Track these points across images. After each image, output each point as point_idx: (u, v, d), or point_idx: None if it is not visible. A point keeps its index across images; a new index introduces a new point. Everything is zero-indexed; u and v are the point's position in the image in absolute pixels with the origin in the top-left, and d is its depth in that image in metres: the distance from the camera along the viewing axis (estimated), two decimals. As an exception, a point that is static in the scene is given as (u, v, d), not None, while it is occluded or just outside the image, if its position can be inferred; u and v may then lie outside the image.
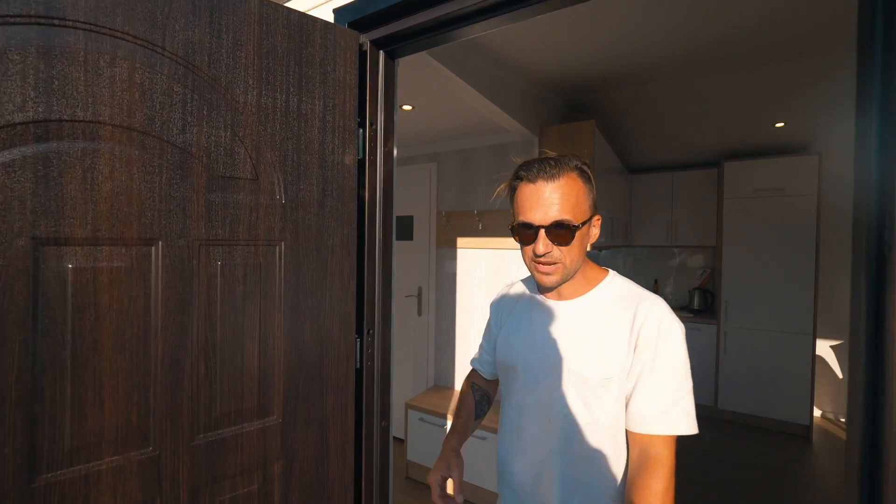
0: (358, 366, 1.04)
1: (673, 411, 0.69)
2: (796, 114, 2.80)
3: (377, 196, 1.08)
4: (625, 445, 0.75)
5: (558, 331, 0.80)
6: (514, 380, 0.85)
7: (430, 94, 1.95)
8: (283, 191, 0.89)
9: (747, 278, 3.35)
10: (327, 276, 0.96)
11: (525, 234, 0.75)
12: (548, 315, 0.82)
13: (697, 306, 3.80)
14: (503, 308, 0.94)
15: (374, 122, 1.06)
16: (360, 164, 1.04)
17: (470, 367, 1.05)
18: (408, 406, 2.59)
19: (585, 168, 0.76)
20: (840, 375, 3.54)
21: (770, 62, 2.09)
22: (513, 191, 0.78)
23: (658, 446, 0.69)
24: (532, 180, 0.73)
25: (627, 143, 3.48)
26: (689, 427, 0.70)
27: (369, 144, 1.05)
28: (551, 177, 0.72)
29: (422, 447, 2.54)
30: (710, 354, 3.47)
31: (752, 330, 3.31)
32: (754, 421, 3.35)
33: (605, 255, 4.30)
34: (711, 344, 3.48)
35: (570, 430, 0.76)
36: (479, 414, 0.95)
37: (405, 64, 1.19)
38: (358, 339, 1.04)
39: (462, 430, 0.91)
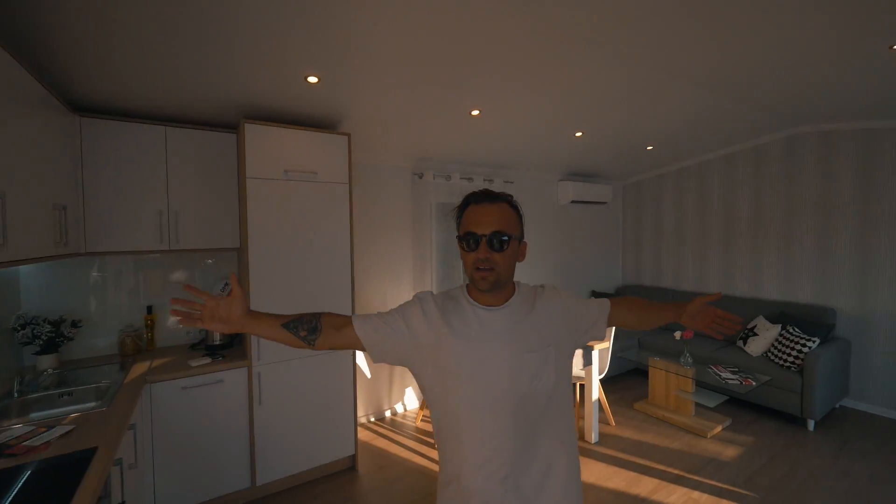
0: None
1: (595, 301, 1.05)
2: (329, 66, 2.00)
3: None
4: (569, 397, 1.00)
5: (514, 331, 0.94)
6: (475, 391, 0.90)
7: None
8: None
9: (279, 287, 2.39)
10: None
11: (470, 242, 0.91)
12: (495, 320, 0.95)
13: (220, 341, 2.52)
14: (435, 308, 0.97)
15: None
16: None
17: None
18: None
19: (516, 203, 0.97)
20: (369, 374, 3.44)
21: None
22: (461, 212, 0.96)
23: (614, 303, 1.04)
24: (478, 202, 0.93)
25: (69, 62, 1.56)
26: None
27: None
28: (492, 201, 0.93)
29: None
30: (241, 416, 2.31)
31: (289, 361, 2.42)
32: (298, 480, 2.53)
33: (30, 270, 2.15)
34: (241, 397, 2.31)
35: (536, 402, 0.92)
36: (290, 327, 0.93)
37: None
38: None
39: (261, 315, 0.93)
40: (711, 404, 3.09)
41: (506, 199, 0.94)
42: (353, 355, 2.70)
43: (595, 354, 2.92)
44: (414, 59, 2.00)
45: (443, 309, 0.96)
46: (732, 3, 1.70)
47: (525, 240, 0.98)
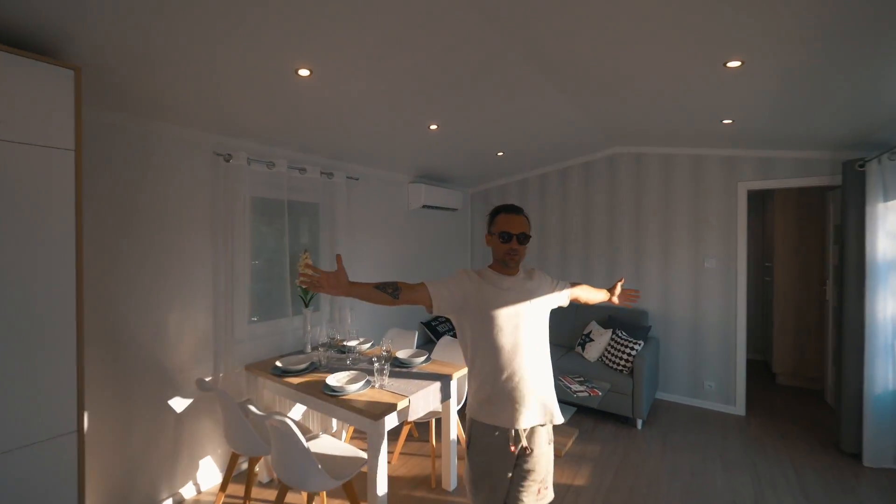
0: None
1: (562, 284, 1.69)
2: None
3: None
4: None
5: (522, 290, 1.53)
6: (502, 324, 1.46)
7: None
8: None
9: None
10: None
11: (505, 237, 1.49)
12: (510, 284, 1.52)
13: None
14: (477, 279, 1.51)
15: None
16: None
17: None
18: None
19: (527, 216, 1.57)
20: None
21: None
22: (493, 218, 1.56)
23: (574, 286, 1.73)
24: (508, 212, 1.53)
25: None
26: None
27: None
28: (518, 213, 1.54)
29: None
30: None
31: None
32: None
33: None
34: None
35: (542, 342, 1.54)
36: (380, 288, 1.36)
37: None
38: None
39: (358, 283, 1.36)
40: (562, 421, 3.04)
41: (522, 212, 1.56)
42: (79, 432, 1.59)
43: (453, 384, 2.48)
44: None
45: (484, 279, 1.51)
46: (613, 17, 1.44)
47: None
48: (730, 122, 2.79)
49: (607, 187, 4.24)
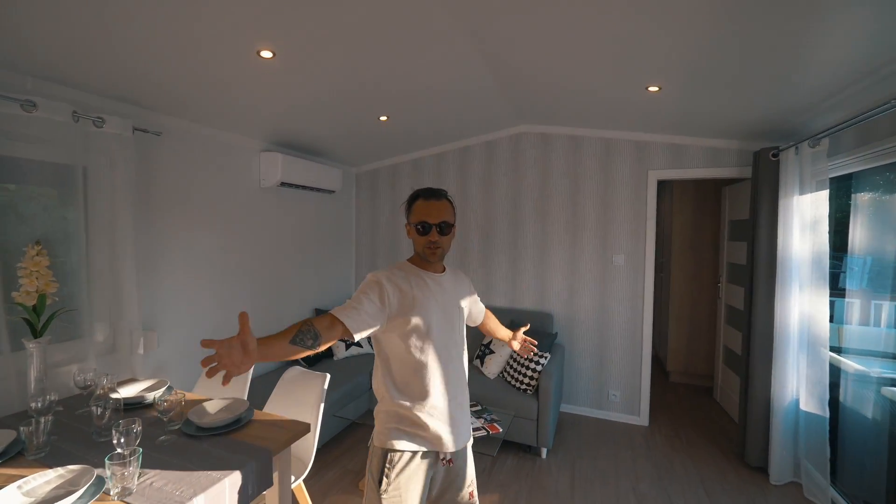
0: None
1: (480, 305, 1.59)
2: None
3: None
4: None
5: (451, 292, 1.36)
6: (433, 332, 1.26)
7: None
8: None
9: None
10: None
11: (423, 228, 1.27)
12: (437, 283, 1.32)
13: None
14: (395, 281, 1.24)
15: None
16: None
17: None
18: None
19: (451, 199, 1.33)
20: None
21: None
22: (410, 205, 1.31)
23: (486, 314, 1.65)
24: (427, 198, 1.28)
25: None
26: None
27: None
28: (439, 198, 1.29)
29: None
30: None
31: None
32: None
33: None
34: None
35: (461, 352, 1.38)
36: (297, 341, 1.02)
37: None
38: None
39: (267, 340, 0.97)
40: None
41: (445, 196, 1.31)
42: None
43: (277, 461, 1.57)
44: None
45: (404, 279, 1.26)
46: None
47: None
48: (656, 89, 2.30)
49: (511, 171, 3.66)
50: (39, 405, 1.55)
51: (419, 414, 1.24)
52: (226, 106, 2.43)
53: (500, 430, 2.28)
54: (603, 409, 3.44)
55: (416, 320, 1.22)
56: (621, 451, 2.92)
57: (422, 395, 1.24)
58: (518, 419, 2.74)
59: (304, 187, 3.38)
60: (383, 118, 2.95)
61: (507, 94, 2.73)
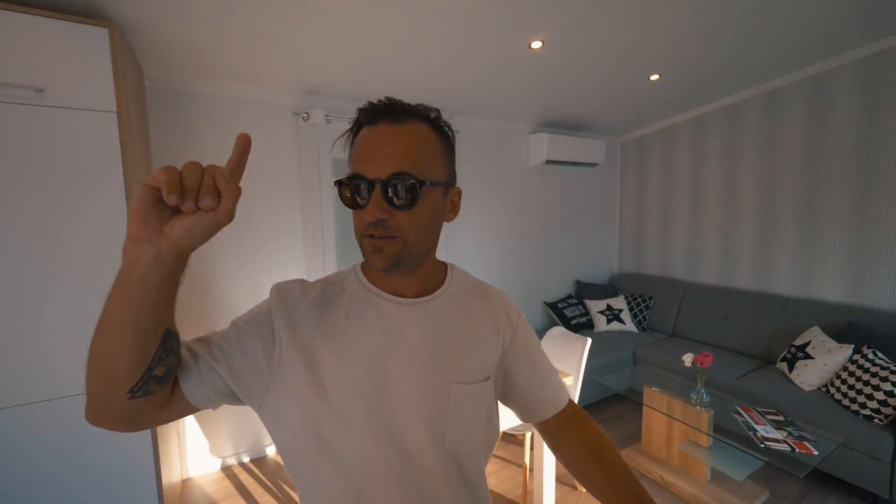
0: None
1: (560, 381, 0.75)
2: None
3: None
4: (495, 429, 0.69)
5: (423, 339, 0.61)
6: (357, 432, 0.56)
7: None
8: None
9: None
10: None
11: (355, 191, 0.55)
12: (403, 315, 0.61)
13: None
14: (297, 311, 0.59)
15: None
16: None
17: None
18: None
19: (445, 124, 0.61)
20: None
21: None
22: (351, 142, 0.59)
23: (572, 406, 0.75)
24: (372, 123, 0.56)
25: None
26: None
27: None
28: (396, 120, 0.55)
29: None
30: None
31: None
32: None
33: None
34: None
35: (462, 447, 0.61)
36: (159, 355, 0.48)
37: None
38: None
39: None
40: (739, 477, 1.91)
41: (422, 116, 0.57)
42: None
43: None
44: None
45: (319, 308, 0.60)
46: None
47: (458, 185, 0.65)
48: None
49: (862, 109, 2.54)
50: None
51: None
52: (500, 98, 2.80)
53: (814, 451, 1.71)
54: None
55: (319, 397, 0.56)
56: None
57: None
58: (851, 451, 1.98)
59: (567, 163, 3.48)
60: (654, 77, 2.65)
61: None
